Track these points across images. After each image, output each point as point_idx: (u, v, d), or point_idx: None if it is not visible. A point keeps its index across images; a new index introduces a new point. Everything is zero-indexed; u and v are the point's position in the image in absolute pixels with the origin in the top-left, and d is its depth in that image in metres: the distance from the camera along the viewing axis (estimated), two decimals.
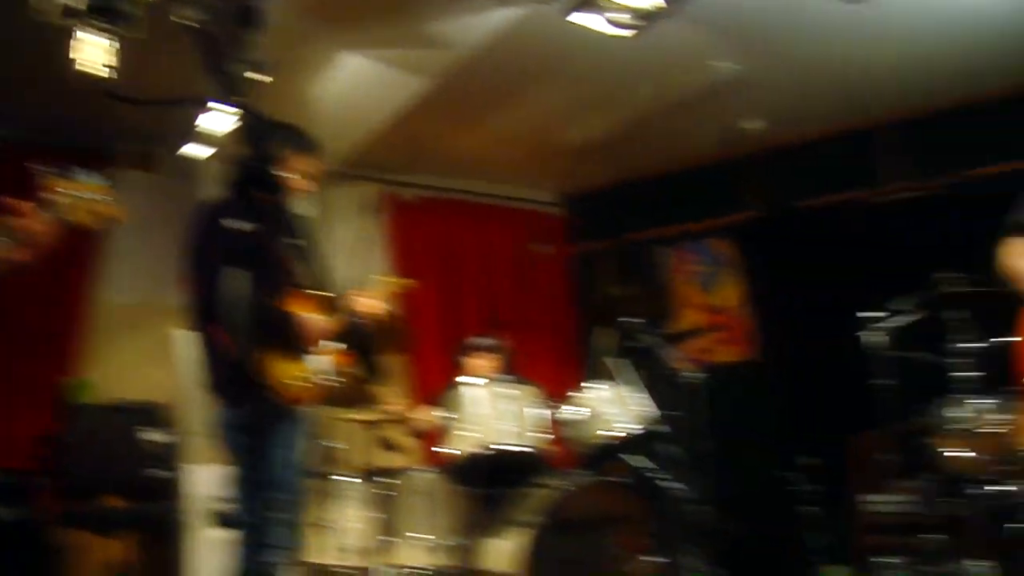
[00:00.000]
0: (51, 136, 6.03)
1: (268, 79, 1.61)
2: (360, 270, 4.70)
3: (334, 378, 3.57)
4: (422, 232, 7.24)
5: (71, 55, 1.42)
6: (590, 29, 4.22)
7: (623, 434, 5.05)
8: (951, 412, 4.92)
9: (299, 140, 3.60)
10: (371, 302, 3.84)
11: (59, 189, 2.11)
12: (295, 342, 3.32)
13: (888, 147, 6.59)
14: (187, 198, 6.43)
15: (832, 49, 5.39)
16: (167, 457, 5.78)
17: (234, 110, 1.51)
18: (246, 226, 1.43)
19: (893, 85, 5.97)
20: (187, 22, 1.63)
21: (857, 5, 4.61)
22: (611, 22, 3.92)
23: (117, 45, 1.47)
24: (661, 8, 3.78)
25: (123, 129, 6.11)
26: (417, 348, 6.93)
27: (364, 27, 4.43)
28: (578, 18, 3.98)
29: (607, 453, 5.19)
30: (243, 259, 1.40)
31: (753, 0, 4.65)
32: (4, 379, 5.88)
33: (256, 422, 3.24)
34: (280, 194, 1.31)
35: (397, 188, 7.21)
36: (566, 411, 5.07)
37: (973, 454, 4.72)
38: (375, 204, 6.78)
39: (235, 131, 1.43)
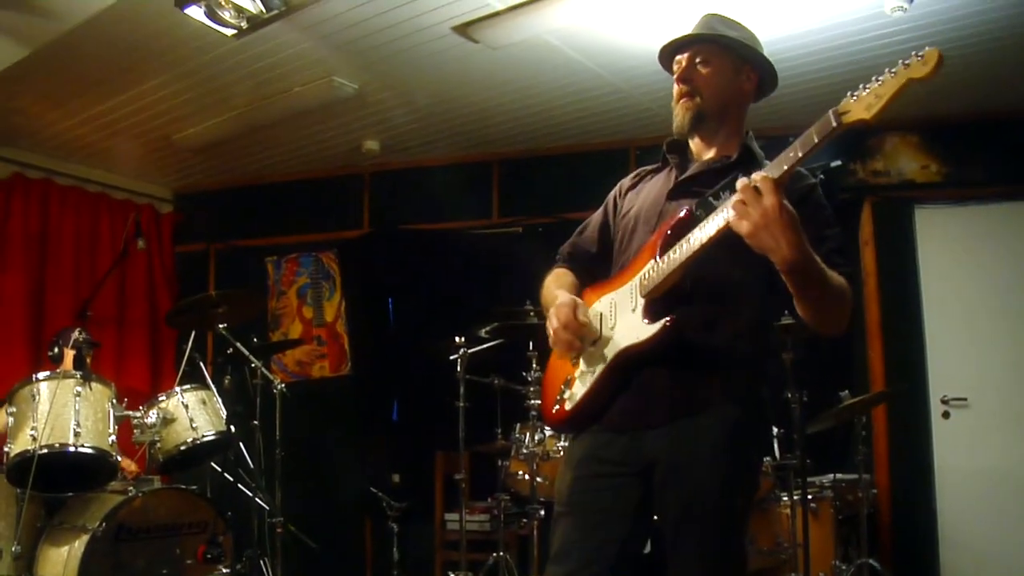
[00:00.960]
0: None
1: None
2: None
3: None
4: (14, 211, 6.69)
5: None
6: (205, 24, 4.14)
7: (200, 440, 4.97)
8: (524, 436, 5.28)
9: None
10: None
11: None
12: None
13: (502, 182, 6.99)
14: None
15: (450, 84, 5.63)
16: None
17: None
18: None
19: (509, 125, 6.33)
20: None
21: (475, 45, 4.86)
22: (216, 19, 3.86)
23: None
24: (263, 13, 3.77)
25: None
26: None
27: None
28: (188, 10, 3.87)
29: (182, 459, 5.09)
30: None
31: (374, 22, 4.74)
32: None
33: None
34: None
35: None
36: (144, 413, 4.91)
37: (540, 479, 5.08)
38: None
39: None
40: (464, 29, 4.76)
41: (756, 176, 1.98)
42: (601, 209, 2.80)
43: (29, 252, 6.73)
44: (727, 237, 2.10)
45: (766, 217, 1.96)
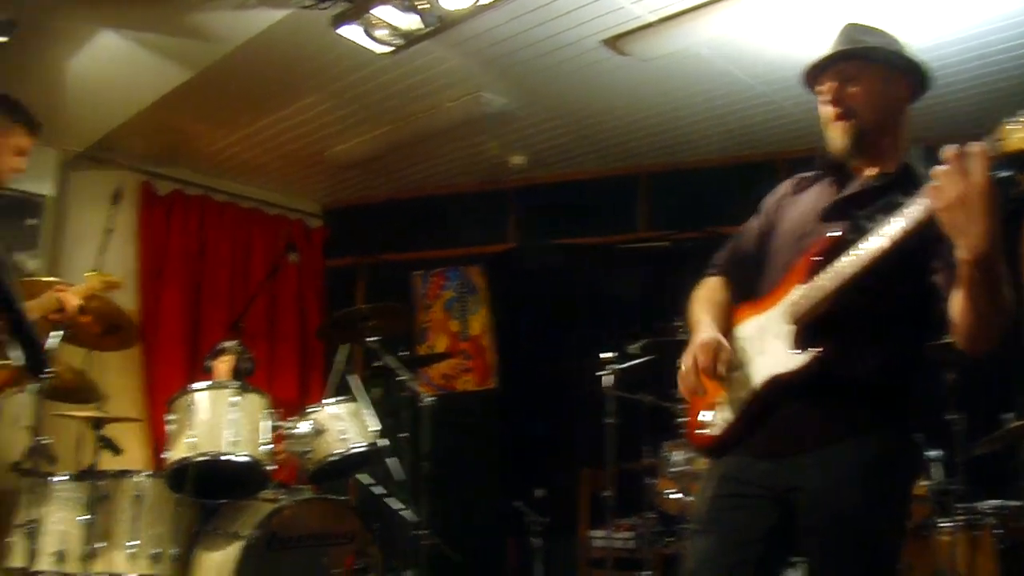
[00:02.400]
0: None
1: (3, 39, 1.49)
2: (104, 261, 4.43)
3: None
4: (173, 227, 6.95)
5: None
6: (356, 43, 4.20)
7: (350, 452, 5.02)
8: (672, 455, 5.18)
9: (13, 111, 3.39)
10: (70, 297, 3.68)
11: None
12: None
13: (648, 196, 6.91)
14: None
15: (597, 97, 5.59)
16: None
17: None
18: None
19: (655, 138, 6.26)
20: None
21: (623, 58, 4.82)
22: (372, 37, 3.91)
23: None
24: (419, 30, 3.80)
25: None
26: (156, 347, 6.65)
27: (125, 5, 4.23)
28: (344, 30, 3.93)
29: (331, 470, 5.15)
30: None
31: (523, 38, 4.74)
32: None
33: None
34: None
35: (151, 179, 6.90)
36: (295, 424, 5.00)
37: (690, 497, 4.98)
38: (125, 193, 6.49)
39: None
40: (614, 42, 4.72)
41: (973, 145, 1.85)
42: (759, 214, 2.71)
43: (187, 267, 6.98)
44: (882, 263, 2.02)
45: (969, 192, 1.82)
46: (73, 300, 3.72)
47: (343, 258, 7.84)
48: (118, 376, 6.18)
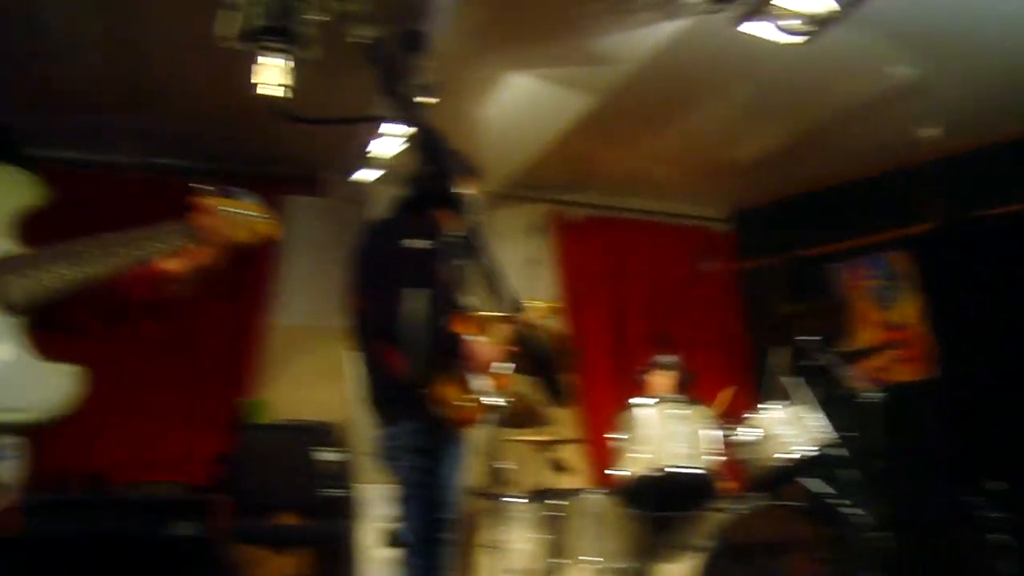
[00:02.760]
0: (219, 164, 6.29)
1: (435, 100, 1.59)
2: (528, 291, 4.66)
3: (502, 399, 3.55)
4: (589, 251, 7.22)
5: (253, 79, 1.43)
6: (759, 38, 4.09)
7: (798, 456, 4.89)
8: None
9: (463, 163, 3.61)
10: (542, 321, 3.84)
11: (218, 208, 2.16)
12: (464, 364, 3.29)
13: None
14: (355, 221, 6.60)
15: (1012, 52, 5.08)
16: (340, 475, 5.89)
17: (408, 129, 1.49)
18: (424, 244, 1.41)
19: None
20: (361, 41, 1.63)
21: None
22: (782, 29, 3.78)
23: (292, 65, 1.47)
24: (834, 12, 3.62)
25: (290, 155, 6.30)
26: (586, 368, 6.88)
27: (528, 47, 4.43)
28: (748, 27, 3.84)
29: (782, 476, 5.03)
30: (421, 279, 1.37)
31: (930, 1, 4.40)
32: (183, 400, 6.14)
33: (427, 443, 3.26)
34: (460, 212, 1.30)
35: (563, 207, 7.20)
36: (740, 432, 4.94)
37: None
38: (542, 224, 6.81)
39: (411, 149, 1.41)
40: None
41: None
42: None
43: (609, 286, 7.18)
44: None
45: None
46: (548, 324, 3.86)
47: (756, 259, 7.69)
48: None
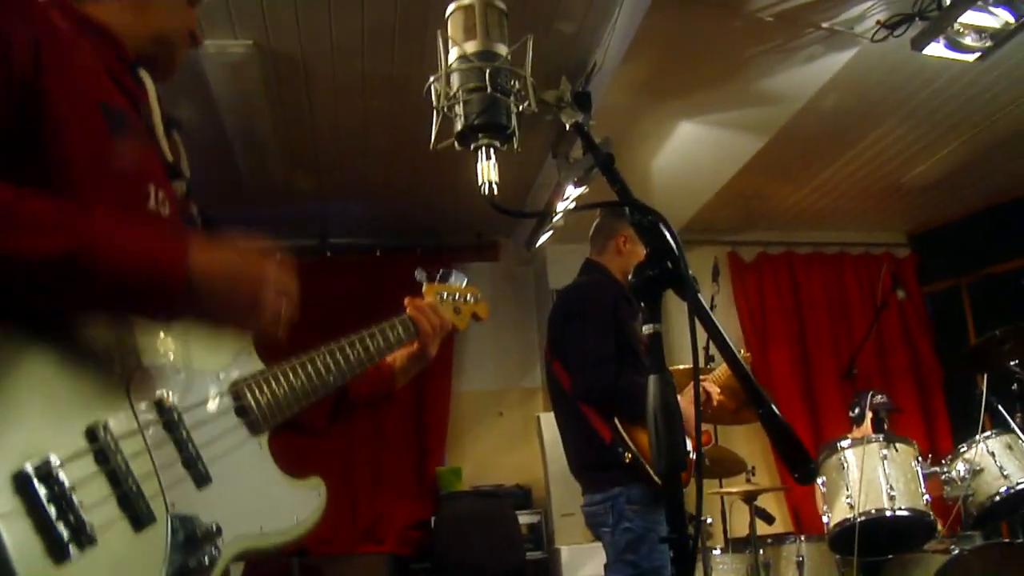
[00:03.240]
0: (403, 239, 6.44)
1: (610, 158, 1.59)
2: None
3: (704, 454, 3.51)
4: (766, 289, 7.11)
5: (479, 180, 1.46)
6: (932, 57, 3.95)
7: (1015, 488, 4.61)
8: None
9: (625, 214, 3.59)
10: (711, 387, 3.79)
11: (437, 292, 2.19)
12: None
13: None
14: (531, 284, 6.67)
15: None
16: (538, 538, 5.90)
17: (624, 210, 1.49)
18: (658, 328, 1.40)
19: None
20: (546, 116, 1.65)
21: None
22: (956, 47, 3.65)
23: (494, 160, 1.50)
24: (1009, 26, 3.47)
25: (468, 225, 6.43)
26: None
27: (695, 95, 4.42)
28: (927, 50, 3.72)
29: (1002, 510, 4.76)
30: (658, 364, 1.36)
31: None
32: (375, 471, 6.28)
33: (640, 505, 3.22)
34: (688, 291, 1.28)
35: (737, 247, 7.14)
36: (949, 467, 4.71)
37: None
38: (718, 267, 6.76)
39: (641, 230, 1.41)
40: None
41: None
42: None
43: (787, 324, 7.05)
44: None
45: None
46: (715, 389, 3.83)
47: (941, 282, 7.40)
48: (744, 444, 6.29)
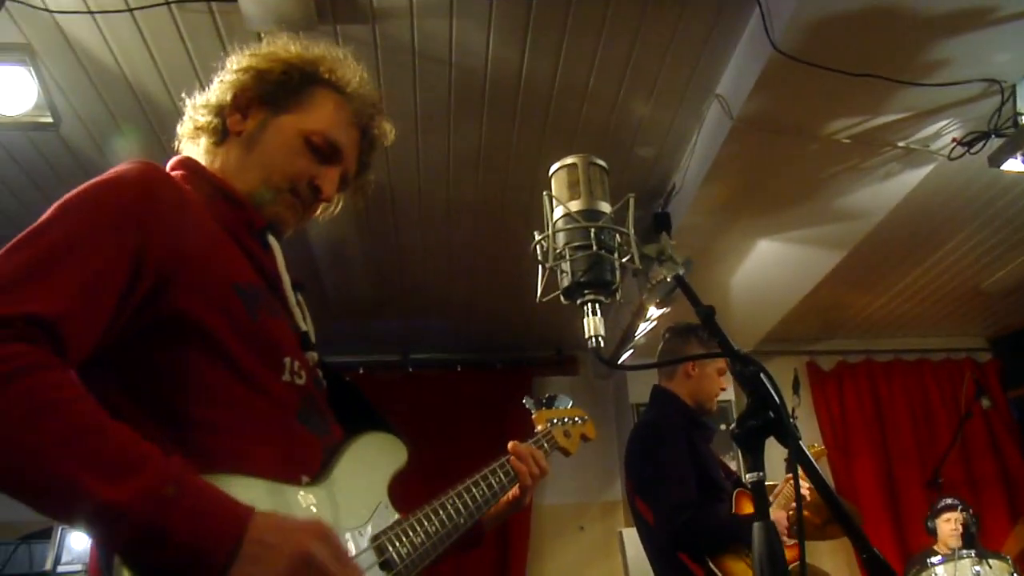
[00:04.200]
0: (487, 353, 6.59)
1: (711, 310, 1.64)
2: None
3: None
4: (847, 398, 7.05)
5: (585, 334, 1.53)
6: (1015, 172, 3.98)
7: None
8: None
9: (705, 336, 3.59)
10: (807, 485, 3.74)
11: (547, 418, 2.23)
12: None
13: None
14: (611, 397, 6.70)
15: None
16: None
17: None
18: (762, 477, 1.45)
19: None
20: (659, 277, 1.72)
21: None
22: None
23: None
24: None
25: (543, 338, 6.51)
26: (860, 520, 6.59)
27: (773, 214, 4.48)
28: (1005, 166, 3.75)
29: None
30: (762, 511, 1.41)
31: None
32: None
33: None
34: (790, 441, 1.32)
35: (816, 357, 7.13)
36: None
37: None
38: (798, 378, 6.77)
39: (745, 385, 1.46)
40: None
41: None
42: None
43: (869, 433, 6.96)
44: None
45: None
46: (807, 486, 3.76)
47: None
48: (830, 558, 6.17)
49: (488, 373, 6.45)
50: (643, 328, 4.86)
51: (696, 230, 4.43)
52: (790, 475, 4.12)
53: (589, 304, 1.59)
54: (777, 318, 5.92)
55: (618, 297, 1.66)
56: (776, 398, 1.46)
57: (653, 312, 4.58)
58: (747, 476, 1.49)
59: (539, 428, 2.20)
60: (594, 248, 1.59)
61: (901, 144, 3.90)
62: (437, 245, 5.14)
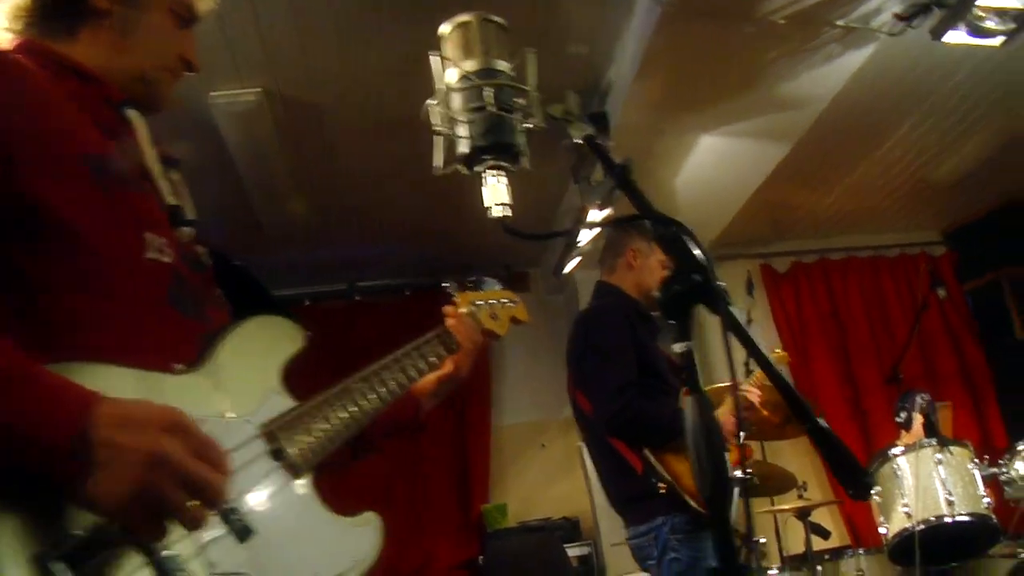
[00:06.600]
0: (428, 277, 6.41)
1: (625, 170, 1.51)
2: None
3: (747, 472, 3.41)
4: (803, 299, 6.99)
5: (485, 202, 1.39)
6: (953, 45, 3.84)
7: None
8: None
9: (648, 230, 3.48)
10: (752, 390, 3.67)
11: (471, 300, 2.10)
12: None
13: None
14: (563, 312, 6.59)
15: None
16: (589, 571, 5.78)
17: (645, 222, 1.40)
18: (690, 346, 1.31)
19: None
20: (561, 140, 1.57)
21: None
22: (978, 32, 3.54)
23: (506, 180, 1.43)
24: None
25: (495, 256, 6.36)
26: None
27: (714, 107, 4.34)
28: (947, 37, 3.62)
29: None
30: (693, 383, 1.27)
31: None
32: (423, 511, 6.18)
33: (684, 535, 3.12)
34: (720, 305, 1.19)
35: (770, 259, 7.03)
36: (1008, 467, 4.54)
37: None
38: (752, 280, 6.68)
39: (670, 248, 1.32)
40: None
41: None
42: None
43: (827, 332, 6.92)
44: None
45: None
46: (755, 392, 3.70)
47: (981, 278, 7.22)
48: (793, 458, 6.14)
49: (438, 295, 6.23)
50: (587, 235, 4.73)
51: (635, 129, 4.28)
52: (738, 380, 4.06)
53: (489, 171, 1.45)
54: (727, 219, 5.81)
55: (524, 163, 1.52)
56: (703, 260, 1.33)
57: (594, 215, 4.43)
58: (675, 347, 1.35)
59: (463, 311, 2.03)
60: (493, 108, 1.45)
61: (840, 22, 3.76)
62: (373, 164, 4.92)
